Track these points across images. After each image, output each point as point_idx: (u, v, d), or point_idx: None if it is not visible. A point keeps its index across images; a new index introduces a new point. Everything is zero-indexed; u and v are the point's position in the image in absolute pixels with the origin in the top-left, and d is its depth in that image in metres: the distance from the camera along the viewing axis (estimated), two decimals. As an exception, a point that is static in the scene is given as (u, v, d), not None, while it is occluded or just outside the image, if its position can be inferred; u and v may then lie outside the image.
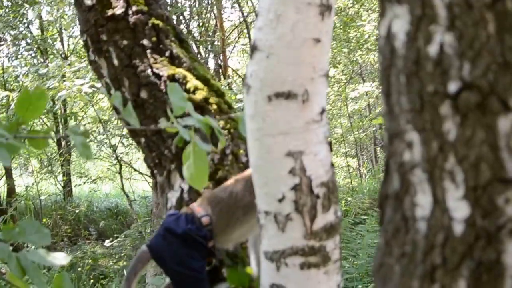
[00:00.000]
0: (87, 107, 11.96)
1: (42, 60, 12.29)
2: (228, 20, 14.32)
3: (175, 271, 2.55)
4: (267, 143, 1.98)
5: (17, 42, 11.88)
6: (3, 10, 11.06)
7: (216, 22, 13.52)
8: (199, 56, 11.05)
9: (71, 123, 12.84)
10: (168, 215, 2.69)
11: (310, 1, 1.90)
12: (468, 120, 0.95)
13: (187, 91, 3.02)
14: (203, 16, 13.16)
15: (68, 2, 9.56)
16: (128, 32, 3.09)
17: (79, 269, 8.51)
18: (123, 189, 10.31)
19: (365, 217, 9.18)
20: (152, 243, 2.61)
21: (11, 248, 1.52)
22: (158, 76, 3.03)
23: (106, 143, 10.08)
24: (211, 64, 13.48)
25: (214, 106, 3.03)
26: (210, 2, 12.68)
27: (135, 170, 12.23)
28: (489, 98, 0.94)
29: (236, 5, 13.11)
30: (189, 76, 3.06)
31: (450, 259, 0.98)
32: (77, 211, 12.61)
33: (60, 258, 1.54)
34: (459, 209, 0.97)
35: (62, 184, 13.92)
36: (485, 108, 0.94)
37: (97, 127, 11.59)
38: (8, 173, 12.01)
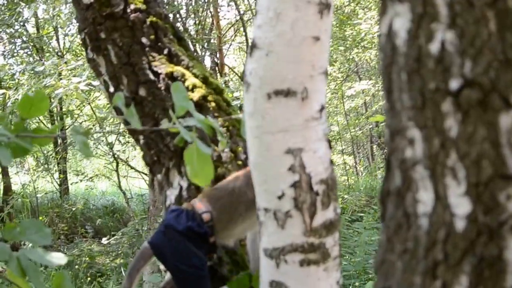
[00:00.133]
0: (84, 105, 11.94)
1: (38, 58, 12.27)
2: (224, 18, 14.30)
3: (177, 268, 2.55)
4: (267, 141, 1.98)
5: (12, 40, 11.87)
6: (-1, 8, 11.05)
7: (212, 20, 13.50)
8: (195, 54, 11.04)
9: (67, 121, 12.84)
10: (169, 212, 2.68)
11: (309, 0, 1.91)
12: (469, 117, 0.96)
13: (186, 89, 3.01)
14: (200, 14, 13.15)
15: (64, 0, 9.55)
16: (127, 30, 3.09)
17: (76, 267, 8.51)
18: (120, 186, 10.32)
19: (361, 214, 9.20)
20: (153, 240, 2.61)
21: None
22: (157, 74, 3.03)
23: (103, 140, 10.08)
24: (207, 62, 13.47)
25: (213, 104, 3.03)
26: (206, 0, 12.67)
27: (132, 168, 12.23)
28: (490, 95, 0.95)
29: (232, 3, 13.10)
30: (188, 74, 3.07)
31: (452, 255, 0.98)
32: (73, 209, 12.61)
33: (58, 258, 1.54)
34: (461, 206, 0.98)
35: (59, 182, 13.90)
36: (487, 105, 0.95)
37: (93, 125, 11.58)
38: (4, 171, 11.99)
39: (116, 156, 10.56)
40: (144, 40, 3.09)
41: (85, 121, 13.14)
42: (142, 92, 3.05)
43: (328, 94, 15.86)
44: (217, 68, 13.16)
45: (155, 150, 3.07)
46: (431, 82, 1.00)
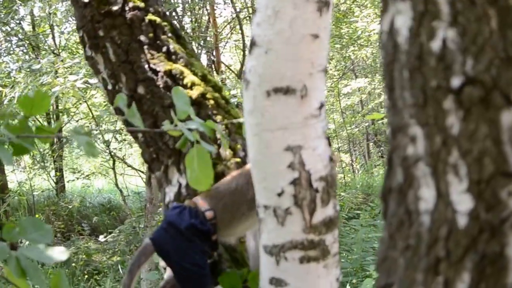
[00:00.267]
0: (80, 103, 11.93)
1: (33, 56, 12.25)
2: (221, 16, 14.30)
3: (179, 266, 2.55)
4: (266, 138, 1.98)
5: (8, 38, 11.85)
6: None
7: (208, 18, 13.50)
8: (192, 51, 11.03)
9: (64, 119, 12.81)
10: (171, 209, 2.68)
11: (309, -3, 1.91)
12: (471, 114, 0.96)
13: (184, 86, 3.02)
14: (196, 12, 13.15)
15: (61, -2, 9.55)
16: (125, 28, 3.09)
17: (73, 264, 8.51)
18: (116, 184, 10.30)
19: (358, 212, 9.22)
20: (155, 237, 2.61)
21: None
22: (155, 72, 3.03)
23: (99, 138, 10.06)
24: (204, 60, 13.46)
25: (212, 102, 3.03)
26: (202, -2, 12.67)
27: (129, 165, 12.22)
28: (492, 92, 0.95)
29: (228, 1, 13.09)
30: (186, 71, 3.06)
31: (454, 252, 0.99)
32: (70, 207, 12.61)
33: (58, 254, 1.53)
34: (463, 203, 0.98)
35: (55, 180, 13.90)
36: (488, 102, 0.95)
37: (90, 123, 11.57)
38: (0, 169, 11.97)
39: (112, 154, 10.54)
40: (142, 38, 3.09)
41: (81, 119, 13.13)
42: (140, 90, 3.04)
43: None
44: (213, 66, 13.16)
45: (154, 147, 3.07)
46: (432, 79, 1.00)
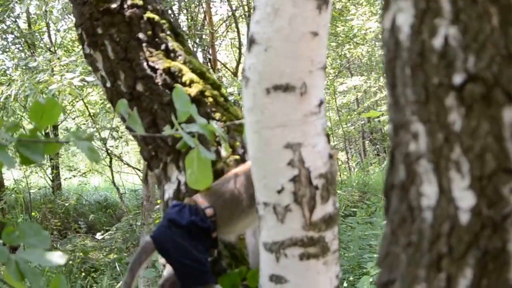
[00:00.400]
0: (76, 101, 11.93)
1: (29, 54, 12.24)
2: (216, 14, 14.32)
3: (180, 263, 2.55)
4: (266, 136, 1.99)
5: (4, 36, 11.84)
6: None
7: (204, 15, 13.50)
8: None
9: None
10: (171, 206, 2.68)
11: (308, -5, 1.91)
12: (473, 111, 0.97)
13: (183, 84, 3.02)
14: (192, 10, 13.14)
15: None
16: (124, 26, 3.09)
17: (70, 262, 8.50)
18: (113, 182, 10.31)
19: (354, 209, 9.24)
20: (156, 234, 2.61)
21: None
22: (154, 69, 3.03)
23: (96, 136, 10.06)
24: (200, 58, 13.46)
25: (210, 99, 3.03)
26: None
27: (125, 163, 12.22)
28: (493, 89, 0.95)
29: (224, -1, 13.10)
30: (185, 69, 3.06)
31: (456, 248, 0.99)
32: (66, 205, 12.60)
33: (57, 258, 1.53)
34: (465, 199, 0.98)
35: (51, 178, 13.90)
36: (490, 99, 0.96)
37: (86, 120, 11.57)
38: (-3, 166, 11.93)
39: (109, 151, 10.54)
40: (141, 35, 3.09)
41: (77, 116, 13.13)
42: (139, 87, 3.04)
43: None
44: (209, 64, 13.15)
45: (153, 145, 3.07)
46: (434, 76, 1.00)
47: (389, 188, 1.13)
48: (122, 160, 12.02)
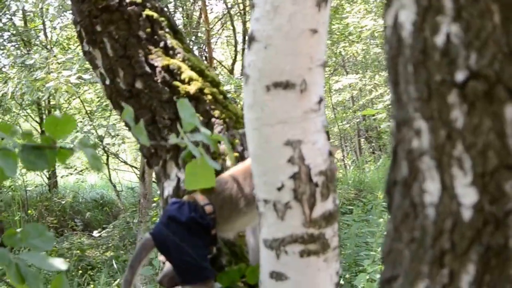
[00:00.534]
0: (73, 98, 11.91)
1: (25, 51, 12.21)
2: (212, 12, 14.28)
3: (179, 259, 2.55)
4: (266, 133, 1.99)
5: (0, 33, 11.81)
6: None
7: (200, 13, 13.48)
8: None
9: (56, 114, 12.76)
10: (170, 204, 2.68)
11: (307, -7, 1.92)
12: (475, 108, 0.97)
13: (182, 81, 3.02)
14: (187, 8, 13.12)
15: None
16: (123, 23, 3.08)
17: (67, 260, 8.49)
18: (110, 180, 10.30)
19: (351, 207, 9.23)
20: (155, 231, 2.61)
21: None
22: (153, 67, 3.03)
23: (92, 133, 10.05)
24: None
25: (209, 97, 3.03)
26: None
27: (122, 161, 12.21)
28: (495, 87, 0.96)
29: (220, -3, 13.09)
30: (184, 66, 3.07)
31: (459, 244, 1.00)
32: (63, 202, 12.59)
33: (58, 263, 1.53)
34: (467, 195, 0.99)
35: (48, 175, 13.88)
36: (492, 96, 0.96)
37: (83, 118, 11.56)
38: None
39: (106, 149, 10.54)
40: (140, 33, 3.09)
41: (73, 114, 13.11)
42: (138, 84, 3.05)
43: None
44: (205, 62, 13.13)
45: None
46: (437, 74, 1.01)
47: (392, 185, 1.13)
48: (118, 158, 12.01)
